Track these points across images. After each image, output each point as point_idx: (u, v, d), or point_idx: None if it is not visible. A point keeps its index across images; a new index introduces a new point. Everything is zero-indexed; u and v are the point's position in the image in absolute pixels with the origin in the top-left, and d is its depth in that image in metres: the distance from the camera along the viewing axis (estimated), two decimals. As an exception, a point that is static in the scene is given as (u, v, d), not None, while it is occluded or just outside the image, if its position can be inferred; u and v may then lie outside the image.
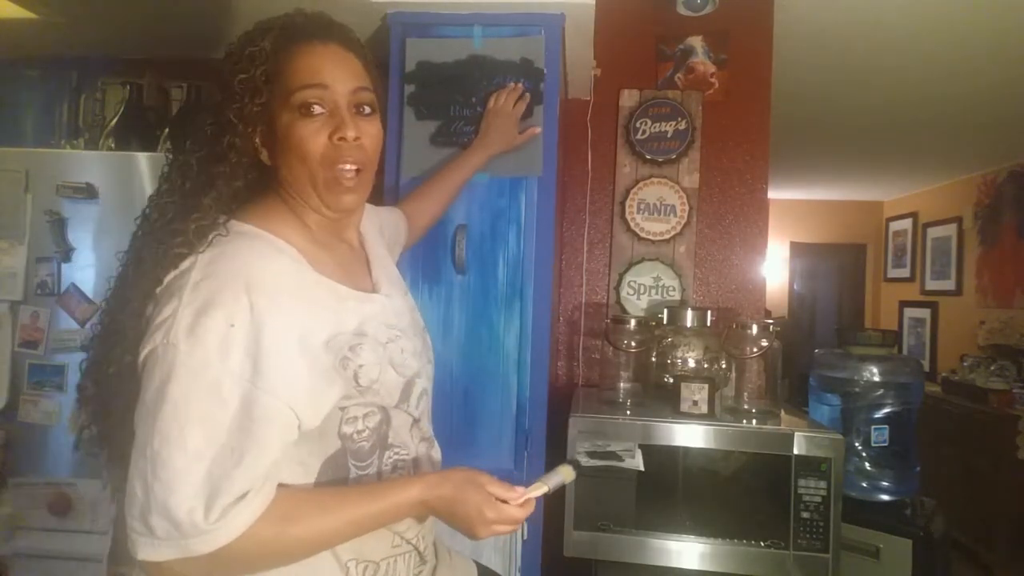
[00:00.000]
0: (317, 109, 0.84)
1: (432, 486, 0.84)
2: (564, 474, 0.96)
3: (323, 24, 0.89)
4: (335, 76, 0.85)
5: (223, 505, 0.70)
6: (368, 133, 0.88)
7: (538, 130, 1.42)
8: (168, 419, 0.71)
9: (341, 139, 0.84)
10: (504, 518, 0.85)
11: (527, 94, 1.42)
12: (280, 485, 0.78)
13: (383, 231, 1.14)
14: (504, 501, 0.86)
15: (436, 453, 1.01)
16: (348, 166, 0.86)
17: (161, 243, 0.80)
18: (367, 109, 0.89)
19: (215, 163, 0.84)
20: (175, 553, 0.70)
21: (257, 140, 0.87)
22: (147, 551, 0.70)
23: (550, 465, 1.00)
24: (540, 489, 0.92)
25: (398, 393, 0.90)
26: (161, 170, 0.88)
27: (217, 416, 0.72)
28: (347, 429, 0.84)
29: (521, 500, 0.87)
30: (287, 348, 0.77)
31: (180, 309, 0.75)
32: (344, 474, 0.85)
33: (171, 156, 0.88)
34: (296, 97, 0.83)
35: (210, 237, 0.81)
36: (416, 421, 0.94)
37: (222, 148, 0.83)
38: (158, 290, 0.79)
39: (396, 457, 0.90)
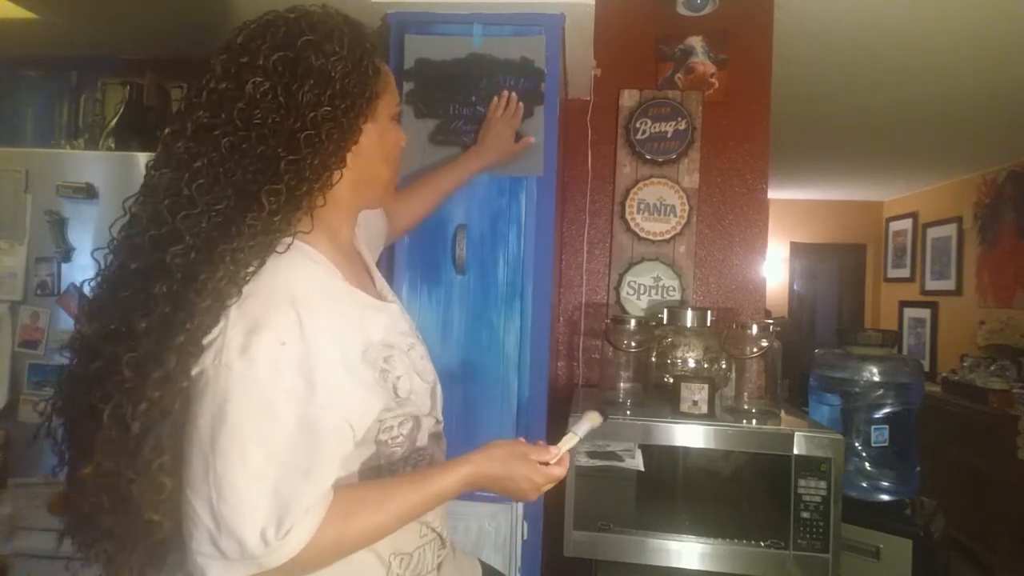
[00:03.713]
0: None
1: (479, 467, 0.88)
2: (592, 419, 0.99)
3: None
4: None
5: (292, 522, 0.71)
6: None
7: (532, 140, 1.42)
8: (228, 441, 0.70)
9: (402, 145, 0.98)
10: (550, 478, 0.93)
11: (520, 104, 1.42)
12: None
13: (363, 231, 1.12)
14: (545, 463, 0.92)
15: (443, 445, 1.03)
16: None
17: (235, 266, 0.73)
18: None
19: (304, 191, 0.80)
20: (249, 571, 0.70)
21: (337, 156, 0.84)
22: (219, 572, 0.70)
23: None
24: (572, 440, 0.97)
25: (428, 400, 0.92)
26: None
27: (275, 435, 0.72)
28: (383, 436, 0.86)
29: (558, 458, 0.94)
30: (334, 362, 0.77)
31: (228, 329, 0.72)
32: (378, 475, 0.88)
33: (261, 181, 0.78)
34: (398, 109, 0.95)
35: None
36: (438, 424, 0.97)
37: (315, 173, 0.80)
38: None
39: (418, 457, 0.92)
